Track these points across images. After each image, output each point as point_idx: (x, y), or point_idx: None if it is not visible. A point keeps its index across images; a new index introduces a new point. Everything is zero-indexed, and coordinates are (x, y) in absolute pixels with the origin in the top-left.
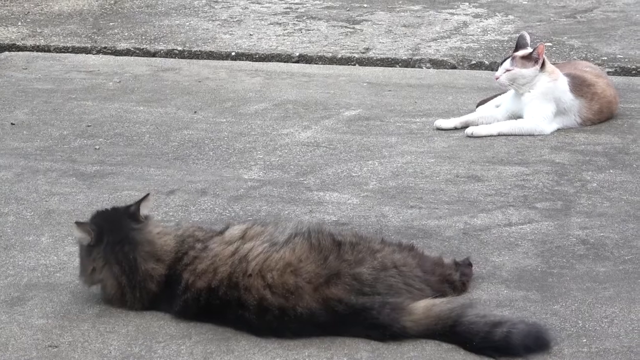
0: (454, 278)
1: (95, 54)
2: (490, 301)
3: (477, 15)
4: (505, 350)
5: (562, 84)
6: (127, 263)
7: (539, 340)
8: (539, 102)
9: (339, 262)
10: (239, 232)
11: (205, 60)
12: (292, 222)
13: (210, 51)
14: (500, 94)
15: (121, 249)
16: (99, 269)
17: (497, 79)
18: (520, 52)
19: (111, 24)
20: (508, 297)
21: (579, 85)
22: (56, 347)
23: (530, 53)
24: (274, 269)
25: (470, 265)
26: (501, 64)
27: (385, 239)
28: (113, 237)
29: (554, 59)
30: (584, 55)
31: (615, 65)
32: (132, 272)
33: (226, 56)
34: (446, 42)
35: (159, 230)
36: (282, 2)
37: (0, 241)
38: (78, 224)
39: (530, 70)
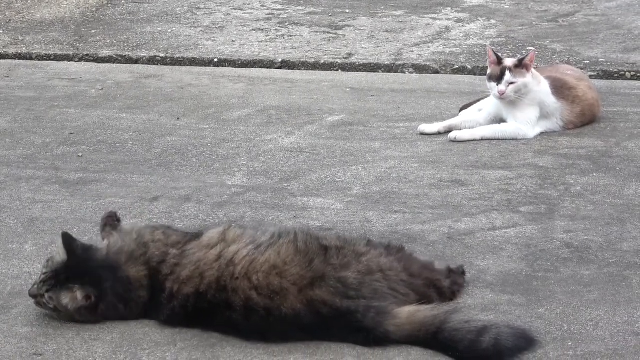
0: (443, 284)
1: (78, 61)
2: (476, 305)
3: (459, 20)
4: (495, 357)
5: (545, 87)
6: (124, 290)
7: (526, 342)
8: (523, 107)
9: (324, 266)
10: (217, 235)
11: (188, 67)
12: (273, 225)
13: (193, 58)
14: (482, 98)
15: (116, 285)
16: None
17: (502, 94)
18: (511, 62)
19: (93, 31)
20: (493, 301)
21: (560, 89)
22: (41, 355)
23: (523, 61)
24: (259, 271)
25: (463, 273)
26: (497, 79)
27: (372, 241)
28: (110, 282)
29: (536, 64)
30: (566, 59)
31: (598, 69)
32: (128, 291)
33: (209, 62)
34: (429, 47)
35: (116, 239)
36: (265, 8)
37: None
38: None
39: (528, 78)
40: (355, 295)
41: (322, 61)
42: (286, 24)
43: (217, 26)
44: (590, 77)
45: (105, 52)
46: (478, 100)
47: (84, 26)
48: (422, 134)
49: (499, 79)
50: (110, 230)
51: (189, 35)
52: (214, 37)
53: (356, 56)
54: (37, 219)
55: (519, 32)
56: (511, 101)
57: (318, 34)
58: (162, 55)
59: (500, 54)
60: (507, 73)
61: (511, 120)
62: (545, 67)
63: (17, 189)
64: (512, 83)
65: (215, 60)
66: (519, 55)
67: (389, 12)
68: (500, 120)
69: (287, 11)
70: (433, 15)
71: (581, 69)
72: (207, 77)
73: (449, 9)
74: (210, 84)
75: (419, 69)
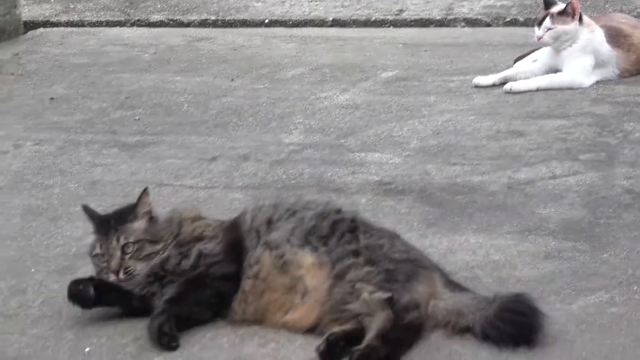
0: None
1: (130, 27)
2: (539, 253)
3: None
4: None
5: (599, 35)
6: None
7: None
8: (577, 55)
9: None
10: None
11: (239, 29)
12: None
13: (244, 19)
14: (537, 49)
15: None
16: None
17: (539, 39)
18: (556, 9)
19: None
20: (556, 248)
21: (615, 37)
22: (109, 312)
23: (565, 9)
24: None
25: None
26: (538, 24)
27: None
28: None
29: (589, 13)
30: (618, 8)
31: None
32: None
33: (260, 23)
34: (479, 1)
35: None
36: None
37: (47, 213)
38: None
39: (571, 26)
40: None
41: (373, 18)
42: None
43: None
44: None
45: (156, 17)
46: (532, 51)
47: None
48: (477, 86)
49: (539, 24)
50: None
51: None
52: None
53: (407, 12)
54: (98, 182)
55: None
56: (564, 50)
57: None
58: (213, 18)
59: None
60: (547, 19)
61: (566, 70)
62: (599, 16)
63: (76, 153)
64: (550, 29)
65: (266, 21)
66: None
67: None
68: (556, 70)
69: None
70: None
71: (635, 17)
72: (258, 38)
73: None
74: (262, 44)
75: (471, 22)
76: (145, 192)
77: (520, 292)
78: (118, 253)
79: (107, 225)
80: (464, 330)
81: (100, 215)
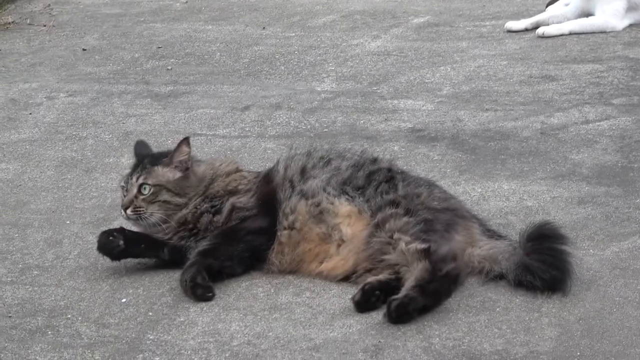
0: None
1: None
2: (572, 198)
3: None
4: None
5: None
6: None
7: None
8: None
9: None
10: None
11: None
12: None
13: None
14: None
15: None
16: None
17: None
18: None
19: None
20: (590, 193)
21: None
22: (144, 263)
23: None
24: None
25: None
26: None
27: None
28: None
29: None
30: None
31: None
32: None
33: None
34: None
35: None
36: None
37: (81, 164)
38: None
39: None
40: None
41: None
42: None
43: None
44: None
45: None
46: None
47: None
48: (509, 31)
49: None
50: None
51: None
52: None
53: None
54: (132, 132)
55: None
56: None
57: None
58: None
59: None
60: None
61: (599, 13)
62: None
63: (109, 104)
64: None
65: None
66: None
67: None
68: (588, 13)
69: None
70: None
71: None
72: None
73: None
74: None
75: None
76: (185, 140)
77: (540, 222)
78: (134, 190)
79: (142, 161)
80: (499, 277)
81: (146, 152)
